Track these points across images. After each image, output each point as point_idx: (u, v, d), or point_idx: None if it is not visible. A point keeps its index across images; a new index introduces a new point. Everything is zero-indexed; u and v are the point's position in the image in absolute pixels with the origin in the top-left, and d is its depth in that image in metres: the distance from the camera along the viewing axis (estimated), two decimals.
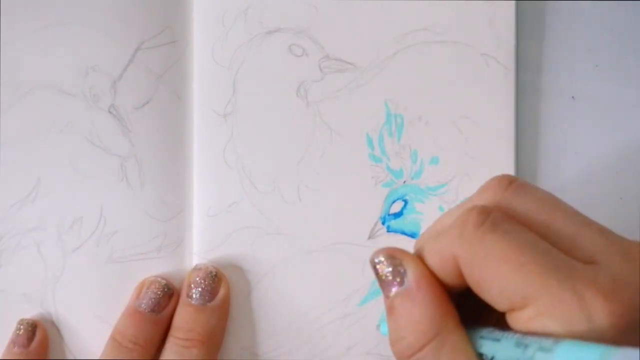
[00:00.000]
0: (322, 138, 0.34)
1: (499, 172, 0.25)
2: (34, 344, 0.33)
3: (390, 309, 0.24)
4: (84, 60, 0.34)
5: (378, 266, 0.25)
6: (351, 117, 0.34)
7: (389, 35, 0.34)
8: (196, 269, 0.33)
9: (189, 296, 0.32)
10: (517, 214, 0.23)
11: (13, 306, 0.33)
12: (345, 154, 0.34)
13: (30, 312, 0.34)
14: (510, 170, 0.34)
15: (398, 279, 0.24)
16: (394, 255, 0.24)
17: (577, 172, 0.35)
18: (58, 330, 0.34)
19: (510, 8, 0.34)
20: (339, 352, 0.34)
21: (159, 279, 0.33)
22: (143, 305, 0.33)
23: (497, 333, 0.22)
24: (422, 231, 0.34)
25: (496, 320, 0.23)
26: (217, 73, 0.34)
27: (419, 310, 0.23)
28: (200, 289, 0.32)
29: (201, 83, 0.34)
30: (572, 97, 0.35)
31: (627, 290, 0.20)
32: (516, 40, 0.34)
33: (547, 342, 0.20)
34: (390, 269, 0.24)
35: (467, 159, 0.34)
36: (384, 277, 0.24)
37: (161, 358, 0.32)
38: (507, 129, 0.34)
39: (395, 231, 0.34)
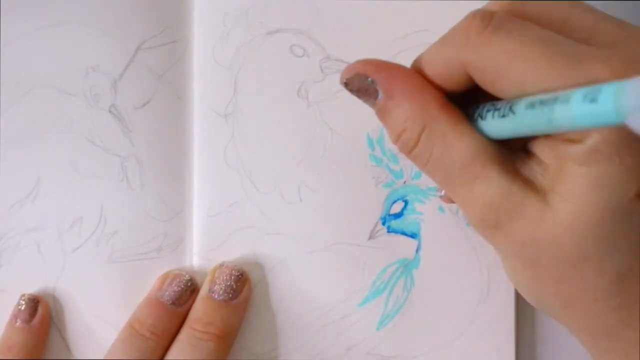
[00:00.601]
0: (322, 138, 0.34)
1: None
2: (36, 319, 0.33)
3: (380, 116, 0.25)
4: (85, 60, 0.34)
5: (349, 87, 0.25)
6: (352, 117, 0.34)
7: (390, 36, 0.34)
8: (223, 266, 0.33)
9: (213, 291, 0.32)
10: (529, 17, 0.23)
11: (13, 306, 0.33)
12: (346, 155, 0.34)
13: None
14: None
15: (373, 90, 0.24)
16: (358, 72, 0.24)
17: None
18: (58, 330, 0.34)
19: None
20: (339, 352, 0.34)
21: (183, 273, 0.33)
22: (165, 297, 0.32)
23: (505, 102, 0.22)
24: (422, 232, 0.34)
25: None
26: (217, 73, 0.34)
27: (401, 110, 0.24)
28: (225, 286, 0.32)
29: (202, 83, 0.34)
30: None
31: None
32: None
33: (564, 93, 0.19)
34: (361, 84, 0.25)
35: None
36: (360, 94, 0.25)
37: (174, 346, 0.32)
38: None
39: (396, 231, 0.34)
